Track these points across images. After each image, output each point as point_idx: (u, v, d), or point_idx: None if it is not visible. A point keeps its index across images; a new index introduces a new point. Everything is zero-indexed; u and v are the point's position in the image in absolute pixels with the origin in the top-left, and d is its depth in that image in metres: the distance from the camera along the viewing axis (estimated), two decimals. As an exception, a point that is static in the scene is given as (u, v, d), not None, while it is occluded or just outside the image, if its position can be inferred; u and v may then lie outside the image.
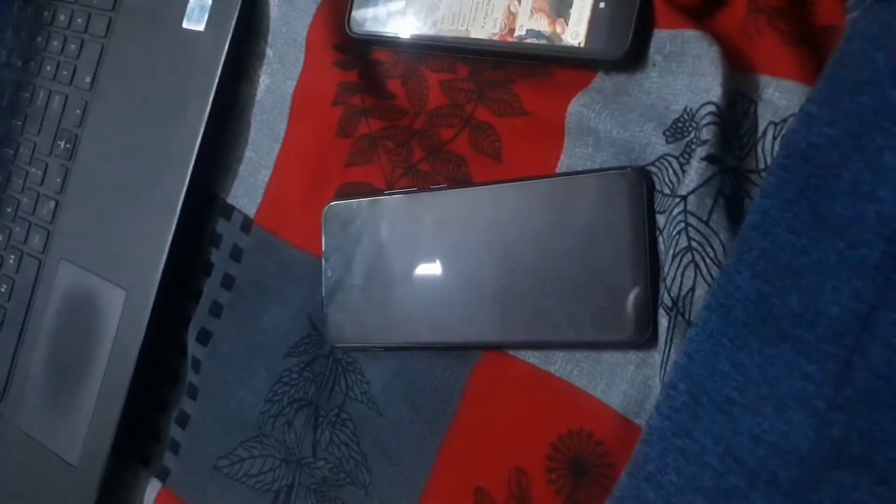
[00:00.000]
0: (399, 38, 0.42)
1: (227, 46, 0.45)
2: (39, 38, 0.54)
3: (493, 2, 0.39)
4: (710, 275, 0.31)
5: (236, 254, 0.46)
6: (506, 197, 0.37)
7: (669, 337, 0.32)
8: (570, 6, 0.37)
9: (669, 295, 0.32)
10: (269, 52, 0.47)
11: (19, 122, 0.54)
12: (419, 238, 0.39)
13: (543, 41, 0.37)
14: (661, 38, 0.35)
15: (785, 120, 0.32)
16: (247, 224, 0.46)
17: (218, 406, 0.45)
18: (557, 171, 0.37)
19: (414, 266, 0.39)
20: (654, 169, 0.34)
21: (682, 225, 0.32)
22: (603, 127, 0.36)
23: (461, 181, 0.40)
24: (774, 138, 0.32)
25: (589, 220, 0.34)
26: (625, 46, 0.35)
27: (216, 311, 0.46)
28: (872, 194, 0.25)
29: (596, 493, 0.34)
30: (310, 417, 0.42)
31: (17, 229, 0.53)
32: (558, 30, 0.37)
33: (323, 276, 0.42)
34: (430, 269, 0.38)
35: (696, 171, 0.32)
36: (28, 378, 0.50)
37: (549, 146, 0.38)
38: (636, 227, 0.33)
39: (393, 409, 0.39)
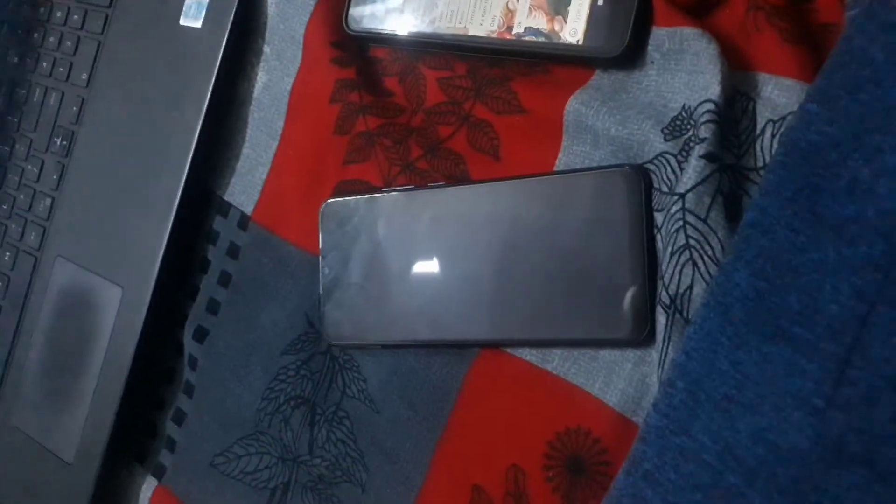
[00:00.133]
0: (397, 35, 0.42)
1: (224, 43, 0.45)
2: (36, 35, 0.53)
3: (492, -1, 0.39)
4: (709, 273, 0.31)
5: (233, 251, 0.46)
6: (503, 195, 0.37)
7: (667, 335, 0.32)
8: (569, 4, 0.37)
9: (667, 293, 0.32)
10: (266, 49, 0.47)
11: (15, 119, 0.53)
12: (416, 236, 0.39)
13: (542, 39, 0.37)
14: (660, 35, 0.35)
15: (784, 118, 0.32)
16: (244, 221, 0.46)
17: (214, 404, 0.45)
18: (555, 168, 0.37)
19: (411, 264, 0.38)
20: (652, 167, 0.34)
21: (681, 223, 0.32)
22: (601, 125, 0.35)
23: (459, 179, 0.40)
24: (773, 136, 0.32)
25: (587, 217, 0.34)
26: (623, 44, 0.35)
27: (213, 308, 0.46)
28: (872, 192, 0.25)
29: (593, 491, 0.34)
30: (306, 415, 0.42)
31: (13, 226, 0.52)
32: (556, 27, 0.37)
33: (320, 274, 0.42)
34: (427, 266, 0.38)
35: (694, 168, 0.32)
36: (24, 375, 0.50)
37: (547, 144, 0.37)
38: (634, 224, 0.33)
39: (390, 406, 0.39)
